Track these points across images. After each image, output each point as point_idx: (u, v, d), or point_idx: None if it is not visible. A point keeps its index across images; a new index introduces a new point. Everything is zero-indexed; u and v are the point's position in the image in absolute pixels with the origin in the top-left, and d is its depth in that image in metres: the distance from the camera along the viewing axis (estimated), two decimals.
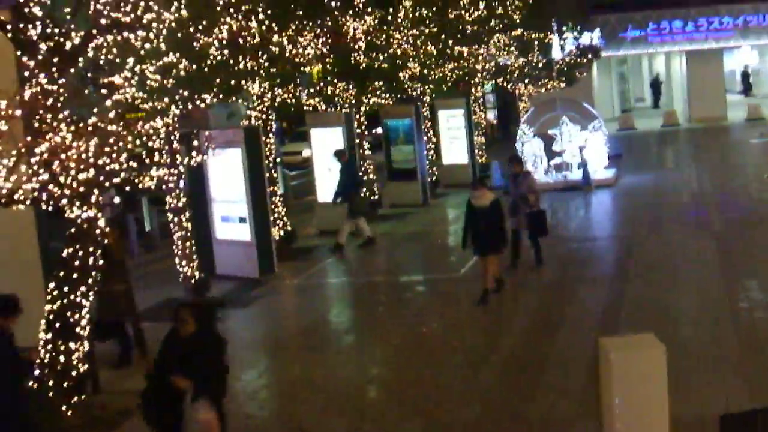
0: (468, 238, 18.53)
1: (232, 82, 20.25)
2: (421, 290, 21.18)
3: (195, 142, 19.05)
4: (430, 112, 36.70)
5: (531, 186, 21.12)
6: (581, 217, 29.14)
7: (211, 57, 18.99)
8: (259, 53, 21.88)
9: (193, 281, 19.96)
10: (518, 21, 38.87)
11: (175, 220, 19.96)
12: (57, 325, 13.02)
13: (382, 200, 32.19)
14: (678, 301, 17.62)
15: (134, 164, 12.89)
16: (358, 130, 29.17)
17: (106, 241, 13.90)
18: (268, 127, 24.74)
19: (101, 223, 13.28)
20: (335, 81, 27.71)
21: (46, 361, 12.95)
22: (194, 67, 18.52)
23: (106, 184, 12.81)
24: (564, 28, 44.49)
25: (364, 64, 27.78)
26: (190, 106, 18.99)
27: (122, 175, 12.80)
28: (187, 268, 19.97)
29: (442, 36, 31.62)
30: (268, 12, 22.00)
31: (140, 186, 13.50)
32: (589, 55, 47.50)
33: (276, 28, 22.72)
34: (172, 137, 19.29)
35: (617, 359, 10.21)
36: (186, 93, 18.29)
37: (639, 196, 30.97)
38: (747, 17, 55.92)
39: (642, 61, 70.74)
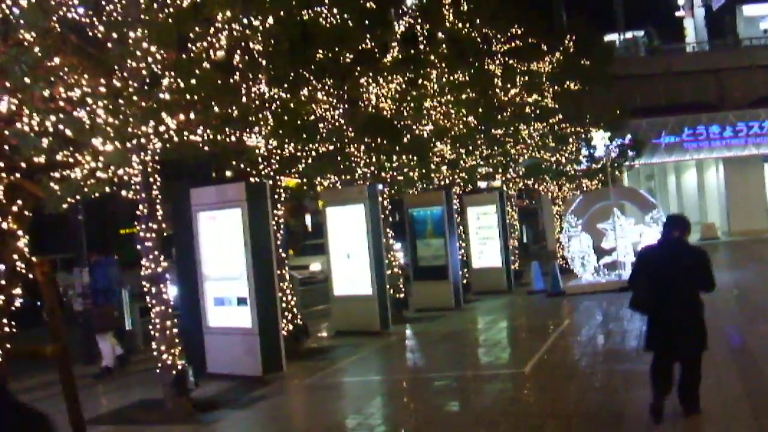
0: None
1: (234, 113, 15.76)
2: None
3: None
4: (459, 208, 32.16)
5: None
6: None
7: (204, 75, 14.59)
8: (265, 100, 17.67)
9: (174, 373, 15.01)
10: (554, 108, 34.96)
11: (153, 291, 15.02)
12: None
13: (407, 302, 27.51)
14: None
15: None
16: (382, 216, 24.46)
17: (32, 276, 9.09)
18: (276, 195, 20.09)
19: (22, 244, 8.50)
20: (354, 152, 23.24)
21: None
22: (182, 85, 14.13)
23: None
24: (597, 128, 40.16)
25: (387, 136, 23.36)
26: (176, 139, 14.62)
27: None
28: (166, 355, 14.99)
29: (478, 109, 27.34)
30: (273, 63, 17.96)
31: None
32: (630, 154, 43.28)
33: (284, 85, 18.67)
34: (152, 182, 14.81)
35: None
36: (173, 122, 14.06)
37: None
38: None
39: (668, 175, 65.80)
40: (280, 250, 19.99)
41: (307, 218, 66.56)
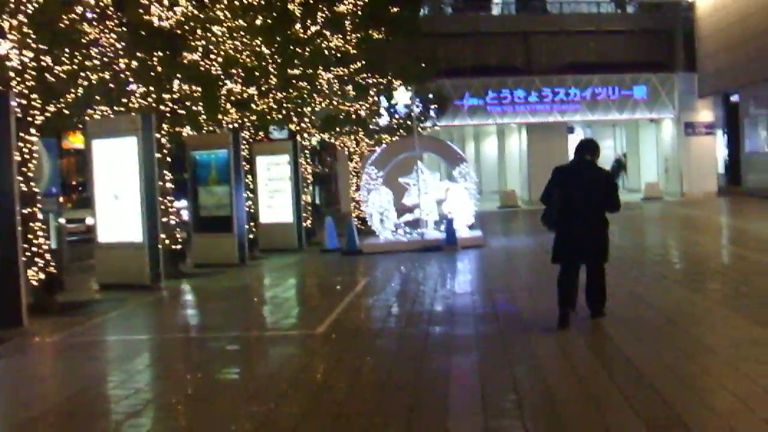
0: None
1: None
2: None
3: None
4: (249, 157, 29.10)
5: None
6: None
7: None
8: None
9: None
10: (356, 55, 32.31)
11: None
12: None
13: (185, 255, 24.40)
14: None
15: None
16: (158, 155, 21.18)
17: None
18: (31, 118, 16.84)
19: None
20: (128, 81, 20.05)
21: None
22: None
23: None
24: (400, 82, 37.58)
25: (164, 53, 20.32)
26: None
27: None
28: None
29: (273, 41, 24.49)
30: None
31: None
32: (433, 113, 41.11)
33: None
34: None
35: None
36: None
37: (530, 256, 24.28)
38: (595, 89, 50.74)
39: (468, 141, 64.15)
40: (33, 184, 16.83)
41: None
